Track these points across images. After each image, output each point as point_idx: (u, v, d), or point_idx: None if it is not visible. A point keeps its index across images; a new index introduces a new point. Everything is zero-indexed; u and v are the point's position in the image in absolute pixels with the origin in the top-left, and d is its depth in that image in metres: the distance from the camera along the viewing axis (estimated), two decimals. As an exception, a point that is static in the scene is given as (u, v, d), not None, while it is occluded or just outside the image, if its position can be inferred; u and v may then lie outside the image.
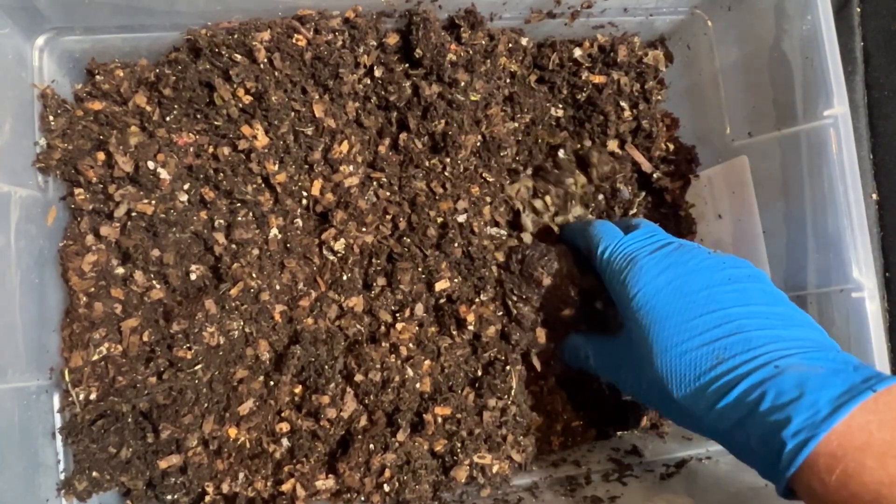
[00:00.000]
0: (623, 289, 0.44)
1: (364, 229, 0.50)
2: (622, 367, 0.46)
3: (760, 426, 0.36)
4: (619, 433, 0.55)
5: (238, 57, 0.47)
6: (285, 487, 0.47)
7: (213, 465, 0.47)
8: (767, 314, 0.40)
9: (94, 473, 0.45)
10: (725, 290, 0.41)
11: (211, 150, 0.48)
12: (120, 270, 0.48)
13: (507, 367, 0.49)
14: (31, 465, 0.43)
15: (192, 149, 0.47)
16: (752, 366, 0.38)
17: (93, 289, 0.47)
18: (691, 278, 0.42)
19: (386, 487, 0.47)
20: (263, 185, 0.49)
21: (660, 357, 0.40)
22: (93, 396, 0.46)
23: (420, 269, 0.50)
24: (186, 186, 0.48)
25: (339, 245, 0.50)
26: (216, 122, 0.48)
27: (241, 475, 0.47)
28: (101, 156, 0.47)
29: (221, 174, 0.48)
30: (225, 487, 0.47)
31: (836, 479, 0.33)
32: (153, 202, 0.47)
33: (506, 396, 0.49)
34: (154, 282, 0.48)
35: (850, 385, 0.35)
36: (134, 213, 0.47)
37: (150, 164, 0.46)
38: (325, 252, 0.50)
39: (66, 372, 0.46)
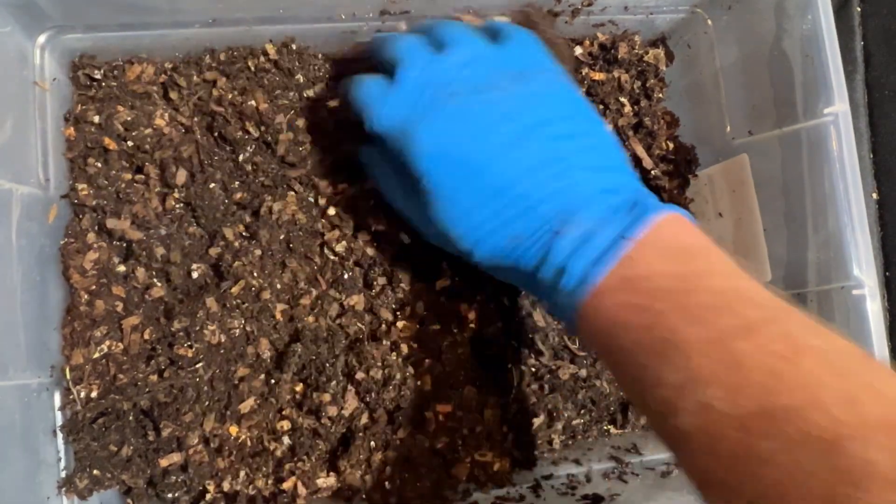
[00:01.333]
0: (409, 167, 0.40)
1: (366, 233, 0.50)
2: (412, 205, 0.43)
3: (548, 291, 0.38)
4: (619, 431, 0.55)
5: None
6: (286, 485, 0.47)
7: (213, 463, 0.47)
8: (556, 174, 0.38)
9: (95, 471, 0.45)
10: (512, 157, 0.38)
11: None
12: (121, 268, 0.48)
13: (509, 366, 0.49)
14: (31, 463, 0.43)
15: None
16: (541, 237, 0.37)
17: (94, 286, 0.47)
18: (476, 146, 0.38)
19: (387, 485, 0.47)
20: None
21: (461, 240, 0.40)
22: (94, 394, 0.46)
23: (420, 268, 0.50)
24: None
25: (339, 247, 0.50)
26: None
27: (241, 473, 0.47)
28: (104, 152, 0.47)
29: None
30: (226, 486, 0.47)
31: (622, 314, 0.35)
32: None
33: (507, 395, 0.49)
34: (155, 279, 0.48)
35: (617, 233, 0.36)
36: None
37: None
38: (325, 252, 0.50)
39: (67, 370, 0.46)
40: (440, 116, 0.39)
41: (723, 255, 0.37)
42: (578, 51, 0.54)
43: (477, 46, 0.41)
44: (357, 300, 0.49)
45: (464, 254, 0.41)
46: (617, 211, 0.37)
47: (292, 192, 0.50)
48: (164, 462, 0.46)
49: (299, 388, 0.49)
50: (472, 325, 0.50)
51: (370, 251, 0.50)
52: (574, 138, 0.39)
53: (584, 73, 0.54)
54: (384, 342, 0.49)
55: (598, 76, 0.54)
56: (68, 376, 0.46)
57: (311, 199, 0.51)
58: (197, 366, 0.47)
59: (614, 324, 0.35)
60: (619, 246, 0.35)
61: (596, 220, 0.37)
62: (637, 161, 0.55)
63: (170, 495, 0.46)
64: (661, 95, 0.56)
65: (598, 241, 0.36)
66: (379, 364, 0.48)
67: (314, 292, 0.50)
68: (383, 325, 0.50)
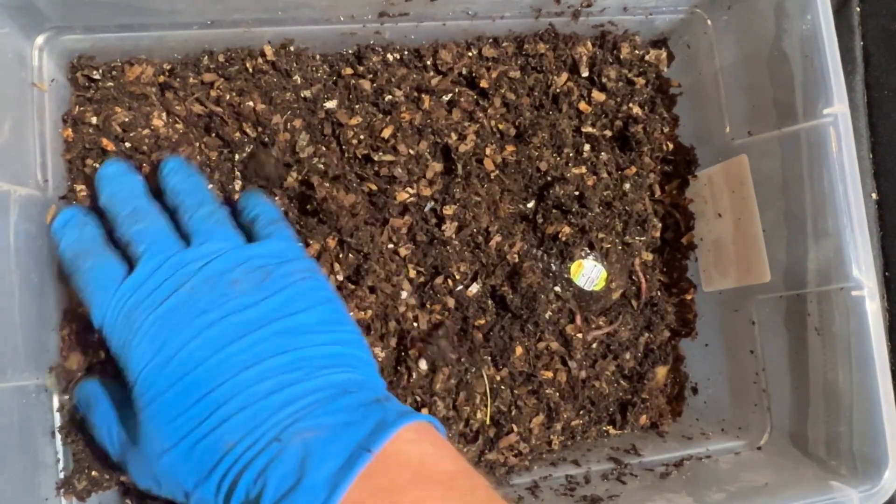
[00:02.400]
0: (125, 372, 0.36)
1: None
2: (130, 457, 0.38)
3: None
4: (618, 432, 0.55)
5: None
6: None
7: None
8: (282, 366, 0.34)
9: (94, 472, 0.45)
10: (235, 352, 0.34)
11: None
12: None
13: (509, 365, 0.49)
14: (30, 464, 0.43)
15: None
16: (255, 450, 0.32)
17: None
18: (197, 344, 0.34)
19: None
20: None
21: (163, 457, 0.34)
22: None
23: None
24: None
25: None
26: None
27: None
28: (102, 153, 0.47)
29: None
30: None
31: None
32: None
33: (507, 395, 0.49)
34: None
35: (353, 448, 0.31)
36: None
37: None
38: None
39: (57, 373, 0.46)
40: (165, 311, 0.35)
41: (479, 479, 0.34)
42: (580, 51, 0.54)
43: (228, 243, 0.39)
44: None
45: (178, 485, 0.35)
46: (355, 417, 0.33)
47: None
48: None
49: None
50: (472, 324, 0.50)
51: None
52: (317, 333, 0.36)
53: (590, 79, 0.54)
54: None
55: (607, 77, 0.54)
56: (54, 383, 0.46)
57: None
58: None
59: None
60: (356, 462, 0.31)
61: (329, 427, 0.32)
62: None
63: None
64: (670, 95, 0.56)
65: (333, 456, 0.31)
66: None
67: None
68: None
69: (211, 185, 0.49)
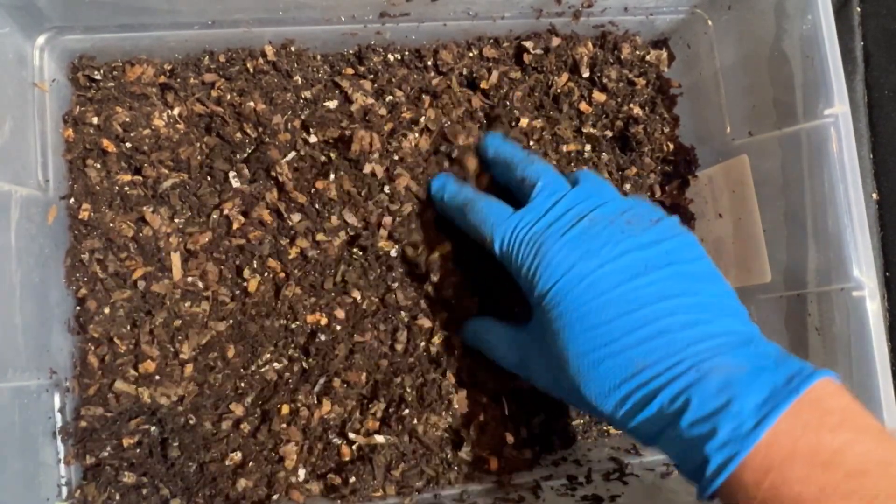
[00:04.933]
0: (531, 283, 0.40)
1: None
2: (532, 361, 0.43)
3: (683, 439, 0.34)
4: (619, 432, 0.55)
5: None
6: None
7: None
8: (690, 306, 0.37)
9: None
10: (643, 284, 0.37)
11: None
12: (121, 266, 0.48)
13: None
14: (30, 464, 0.43)
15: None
16: (673, 373, 0.35)
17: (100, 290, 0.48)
18: (607, 270, 0.38)
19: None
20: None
21: (574, 362, 0.37)
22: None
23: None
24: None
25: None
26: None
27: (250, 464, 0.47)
28: (102, 154, 0.47)
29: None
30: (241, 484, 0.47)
31: (762, 493, 0.32)
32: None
33: (506, 395, 0.49)
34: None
35: (773, 388, 0.33)
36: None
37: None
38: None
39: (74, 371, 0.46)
40: (571, 237, 0.39)
41: (874, 426, 0.34)
42: (580, 51, 0.54)
43: (607, 191, 0.43)
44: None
45: (577, 386, 0.38)
46: (766, 363, 0.35)
47: None
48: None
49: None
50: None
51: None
52: (705, 281, 0.39)
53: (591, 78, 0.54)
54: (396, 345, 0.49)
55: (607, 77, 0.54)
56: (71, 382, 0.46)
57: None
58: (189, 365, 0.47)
59: (789, 482, 0.32)
60: (784, 400, 0.33)
61: (746, 366, 0.34)
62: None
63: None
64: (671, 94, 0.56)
65: (755, 391, 0.33)
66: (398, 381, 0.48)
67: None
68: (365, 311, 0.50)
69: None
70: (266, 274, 0.49)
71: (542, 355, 0.41)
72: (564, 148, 0.54)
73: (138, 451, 0.46)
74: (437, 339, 0.49)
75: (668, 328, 0.36)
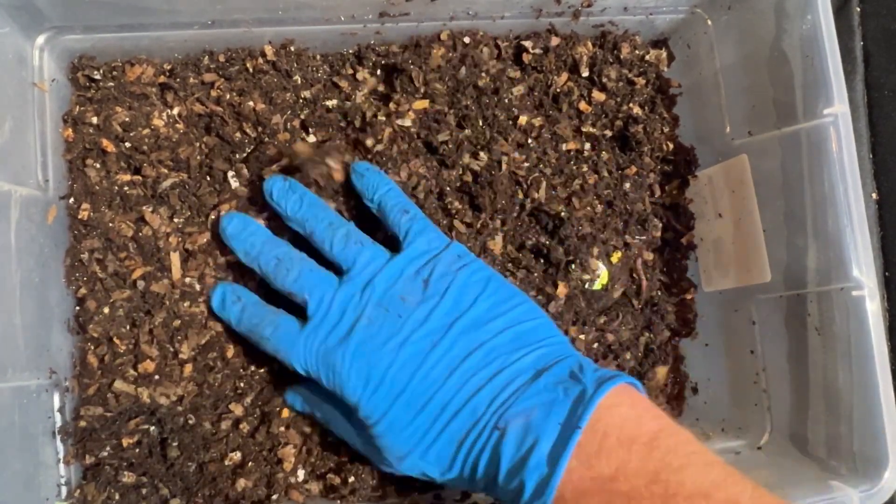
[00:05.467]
0: (343, 396, 0.41)
1: None
2: (367, 451, 0.43)
3: (506, 495, 0.36)
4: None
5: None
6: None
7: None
8: (477, 362, 0.38)
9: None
10: (431, 364, 0.39)
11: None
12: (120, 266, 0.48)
13: None
14: (30, 464, 0.43)
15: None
16: (482, 438, 0.37)
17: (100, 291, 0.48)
18: (394, 369, 0.39)
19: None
20: None
21: (400, 464, 0.40)
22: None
23: None
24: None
25: None
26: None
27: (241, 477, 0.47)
28: (102, 153, 0.47)
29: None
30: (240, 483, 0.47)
31: None
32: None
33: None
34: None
35: (563, 423, 0.36)
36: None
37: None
38: None
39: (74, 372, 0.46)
40: (354, 348, 0.40)
41: (682, 434, 0.37)
42: (580, 51, 0.54)
43: (377, 261, 0.42)
44: None
45: (422, 473, 0.41)
46: (557, 396, 0.37)
47: None
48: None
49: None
50: None
51: None
52: (495, 319, 0.40)
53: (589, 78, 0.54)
54: None
55: (606, 77, 0.54)
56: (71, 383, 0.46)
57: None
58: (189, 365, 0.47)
59: None
60: (570, 438, 0.35)
61: (538, 408, 0.36)
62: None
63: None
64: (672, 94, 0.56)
65: (548, 434, 0.35)
66: None
67: None
68: None
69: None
70: None
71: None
72: (564, 147, 0.54)
73: (138, 450, 0.46)
74: None
75: (462, 399, 0.38)
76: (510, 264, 0.52)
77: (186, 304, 0.48)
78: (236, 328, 0.46)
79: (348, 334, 0.40)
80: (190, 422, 0.47)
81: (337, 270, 0.43)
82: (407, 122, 0.50)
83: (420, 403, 0.39)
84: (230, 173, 0.49)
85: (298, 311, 0.43)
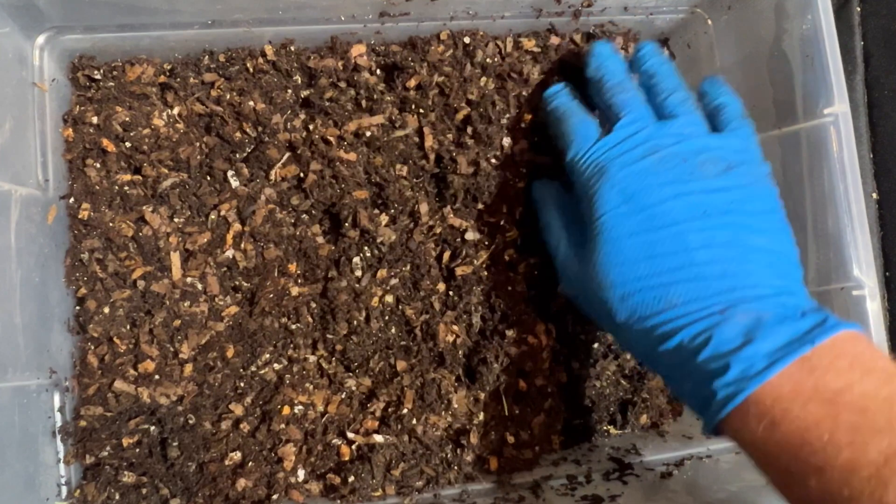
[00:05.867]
0: (589, 205, 0.42)
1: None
2: (570, 271, 0.44)
3: (696, 373, 0.37)
4: (619, 432, 0.55)
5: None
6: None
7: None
8: (731, 257, 0.38)
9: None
10: (695, 228, 0.39)
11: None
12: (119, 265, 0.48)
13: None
14: (30, 464, 0.43)
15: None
16: (700, 314, 0.37)
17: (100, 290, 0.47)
18: (665, 208, 0.39)
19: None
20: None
21: (612, 288, 0.40)
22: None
23: None
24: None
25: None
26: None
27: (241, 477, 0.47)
28: (102, 153, 0.47)
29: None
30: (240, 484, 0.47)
31: (763, 428, 0.34)
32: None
33: (507, 396, 0.49)
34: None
35: (792, 337, 0.35)
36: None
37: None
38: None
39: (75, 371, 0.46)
40: (638, 170, 0.41)
41: None
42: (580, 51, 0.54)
43: (697, 129, 0.43)
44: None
45: (607, 309, 0.41)
46: (793, 314, 0.37)
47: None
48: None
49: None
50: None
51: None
52: (760, 234, 0.40)
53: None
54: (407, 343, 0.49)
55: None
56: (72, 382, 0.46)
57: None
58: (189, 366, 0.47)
59: (790, 417, 0.33)
60: (798, 348, 0.34)
61: (771, 315, 0.36)
62: None
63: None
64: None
65: (773, 337, 0.35)
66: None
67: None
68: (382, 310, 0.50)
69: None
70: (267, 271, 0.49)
71: (587, 269, 0.42)
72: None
73: (138, 450, 0.46)
74: (448, 336, 0.49)
75: (704, 275, 0.38)
76: (511, 264, 0.52)
77: (186, 304, 0.48)
78: (550, 112, 0.48)
79: (638, 158, 0.41)
80: (190, 422, 0.47)
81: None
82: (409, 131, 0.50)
83: (662, 250, 0.39)
84: (230, 173, 0.49)
85: None
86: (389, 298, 0.50)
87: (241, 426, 0.48)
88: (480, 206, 0.51)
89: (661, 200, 0.40)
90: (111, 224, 0.48)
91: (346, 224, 0.49)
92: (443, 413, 0.48)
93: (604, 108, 0.46)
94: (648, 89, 0.46)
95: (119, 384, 0.47)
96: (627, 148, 0.42)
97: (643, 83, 0.46)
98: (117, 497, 0.45)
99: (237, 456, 0.47)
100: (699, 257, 0.38)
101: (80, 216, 0.47)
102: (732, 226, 0.39)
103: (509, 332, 0.49)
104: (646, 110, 0.44)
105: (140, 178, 0.49)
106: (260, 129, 0.49)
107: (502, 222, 0.52)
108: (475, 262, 0.50)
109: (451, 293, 0.50)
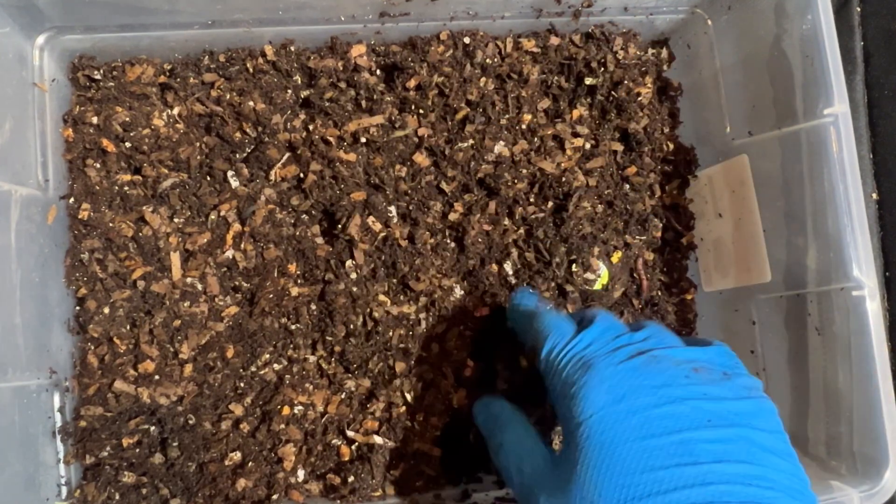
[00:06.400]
0: (570, 406, 0.35)
1: None
2: (544, 488, 0.36)
3: None
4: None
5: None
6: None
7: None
8: (752, 477, 0.32)
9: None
10: (704, 438, 0.32)
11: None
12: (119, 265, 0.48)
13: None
14: (30, 464, 0.43)
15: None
16: None
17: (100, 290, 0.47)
18: (663, 412, 0.33)
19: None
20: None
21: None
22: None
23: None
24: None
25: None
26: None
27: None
28: (102, 154, 0.47)
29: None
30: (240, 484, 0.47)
31: None
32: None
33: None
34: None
35: None
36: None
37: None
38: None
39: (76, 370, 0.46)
40: (630, 367, 0.35)
41: None
42: (580, 51, 0.54)
43: (674, 341, 0.39)
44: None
45: None
46: None
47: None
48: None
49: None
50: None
51: None
52: (779, 457, 0.34)
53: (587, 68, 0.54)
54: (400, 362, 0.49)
55: (593, 81, 0.54)
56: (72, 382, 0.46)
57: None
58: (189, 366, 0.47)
59: None
60: None
61: None
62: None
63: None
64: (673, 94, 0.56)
65: None
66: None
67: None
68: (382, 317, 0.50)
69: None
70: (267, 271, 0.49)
71: (560, 486, 0.35)
72: (564, 146, 0.54)
73: (138, 450, 0.46)
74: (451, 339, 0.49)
75: (722, 496, 0.31)
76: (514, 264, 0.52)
77: (186, 304, 0.48)
78: (523, 309, 0.44)
79: (626, 357, 0.36)
80: (190, 422, 0.47)
81: None
82: (409, 131, 0.50)
83: (667, 462, 0.32)
84: (230, 173, 0.49)
85: None
86: (385, 299, 0.50)
87: (241, 426, 0.48)
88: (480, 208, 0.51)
89: (660, 403, 0.34)
90: (111, 224, 0.48)
91: (340, 226, 0.49)
92: (443, 413, 0.48)
93: (576, 320, 0.41)
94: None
95: (119, 384, 0.47)
96: (613, 344, 0.37)
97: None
98: (117, 497, 0.45)
99: (237, 456, 0.47)
100: (714, 474, 0.32)
101: (80, 216, 0.47)
102: (746, 441, 0.33)
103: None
104: (618, 320, 0.41)
105: (140, 178, 0.49)
106: (260, 129, 0.49)
107: (504, 222, 0.52)
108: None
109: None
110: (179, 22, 0.47)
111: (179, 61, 0.50)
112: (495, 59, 0.53)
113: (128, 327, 0.48)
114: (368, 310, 0.49)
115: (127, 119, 0.48)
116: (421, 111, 0.51)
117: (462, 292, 0.51)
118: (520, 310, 0.45)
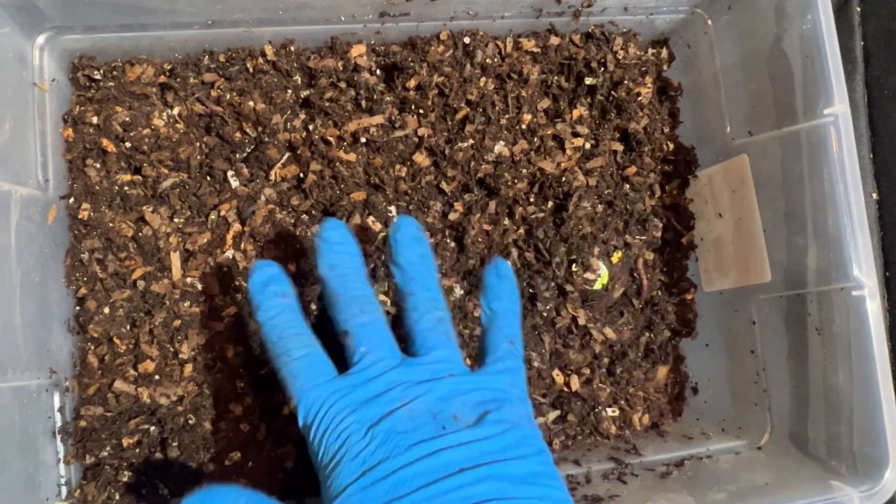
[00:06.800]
0: (328, 474, 0.34)
1: None
2: None
3: None
4: (619, 432, 0.55)
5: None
6: None
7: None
8: None
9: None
10: (448, 488, 0.33)
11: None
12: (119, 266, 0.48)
13: None
14: (30, 464, 0.43)
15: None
16: None
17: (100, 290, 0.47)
18: (410, 471, 0.33)
19: None
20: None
21: None
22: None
23: None
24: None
25: None
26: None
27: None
28: (102, 154, 0.47)
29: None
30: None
31: None
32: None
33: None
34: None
35: None
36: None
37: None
38: None
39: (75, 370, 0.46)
40: (383, 434, 0.34)
41: None
42: (580, 51, 0.54)
43: (450, 365, 0.38)
44: None
45: None
46: None
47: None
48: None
49: None
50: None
51: None
52: (524, 483, 0.34)
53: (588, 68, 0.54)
54: None
55: (593, 81, 0.54)
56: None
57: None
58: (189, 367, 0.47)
59: None
60: None
61: None
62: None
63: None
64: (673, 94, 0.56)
65: None
66: None
67: None
68: None
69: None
70: None
71: None
72: (564, 146, 0.54)
73: (138, 450, 0.46)
74: None
75: None
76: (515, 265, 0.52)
77: (186, 304, 0.48)
78: (261, 322, 0.38)
79: (382, 415, 0.35)
80: (190, 422, 0.47)
81: (401, 340, 0.39)
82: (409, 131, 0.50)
83: None
84: (230, 173, 0.49)
85: (332, 350, 0.38)
86: (385, 299, 0.50)
87: (241, 426, 0.48)
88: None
89: (408, 463, 0.33)
90: (111, 224, 0.48)
91: None
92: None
93: (337, 324, 0.38)
94: (402, 298, 0.39)
95: (119, 384, 0.47)
96: (367, 397, 0.35)
97: (397, 282, 0.40)
98: (117, 497, 0.45)
99: (237, 456, 0.47)
100: None
101: (80, 216, 0.47)
102: (491, 478, 0.33)
103: None
104: (389, 345, 0.38)
105: (140, 178, 0.49)
106: (260, 129, 0.49)
107: (505, 221, 0.52)
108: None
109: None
110: (179, 22, 0.47)
111: (179, 61, 0.50)
112: (495, 59, 0.53)
113: (128, 327, 0.48)
114: None
115: (127, 119, 0.48)
116: (421, 111, 0.51)
117: (462, 292, 0.51)
118: (266, 333, 0.38)
